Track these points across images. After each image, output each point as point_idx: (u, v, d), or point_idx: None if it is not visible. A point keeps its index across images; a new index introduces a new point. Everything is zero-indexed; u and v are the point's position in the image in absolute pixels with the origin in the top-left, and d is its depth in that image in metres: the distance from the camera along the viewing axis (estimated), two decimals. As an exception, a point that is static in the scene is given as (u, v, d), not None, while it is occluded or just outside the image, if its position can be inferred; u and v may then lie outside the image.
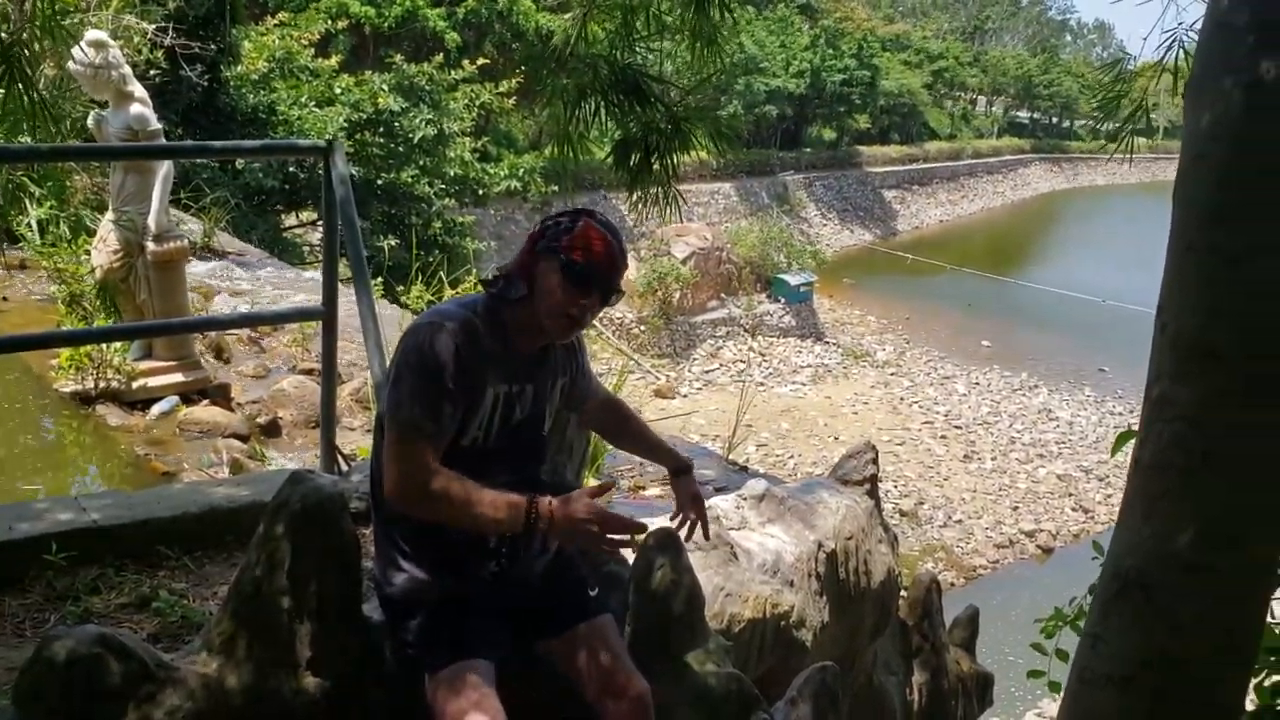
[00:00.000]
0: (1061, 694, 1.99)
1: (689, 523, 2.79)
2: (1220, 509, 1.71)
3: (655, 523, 2.93)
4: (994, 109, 67.58)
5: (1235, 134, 1.71)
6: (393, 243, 13.18)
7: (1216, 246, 1.71)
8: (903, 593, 5.22)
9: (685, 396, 23.88)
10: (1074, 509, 20.12)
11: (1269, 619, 2.41)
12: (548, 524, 2.23)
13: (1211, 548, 1.69)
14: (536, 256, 2.35)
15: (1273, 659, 2.43)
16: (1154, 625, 1.70)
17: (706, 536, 2.84)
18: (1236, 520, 1.71)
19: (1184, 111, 1.80)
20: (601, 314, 2.53)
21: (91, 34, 5.35)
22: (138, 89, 5.37)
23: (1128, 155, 3.98)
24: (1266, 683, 2.47)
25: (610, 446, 5.61)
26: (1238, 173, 1.71)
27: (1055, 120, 72.00)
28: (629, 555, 2.73)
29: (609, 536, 2.23)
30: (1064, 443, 23.29)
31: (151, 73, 9.98)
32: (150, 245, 5.45)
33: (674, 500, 2.80)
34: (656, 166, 4.20)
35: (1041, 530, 19.26)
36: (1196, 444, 1.70)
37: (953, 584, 16.55)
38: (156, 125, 5.41)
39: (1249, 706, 2.48)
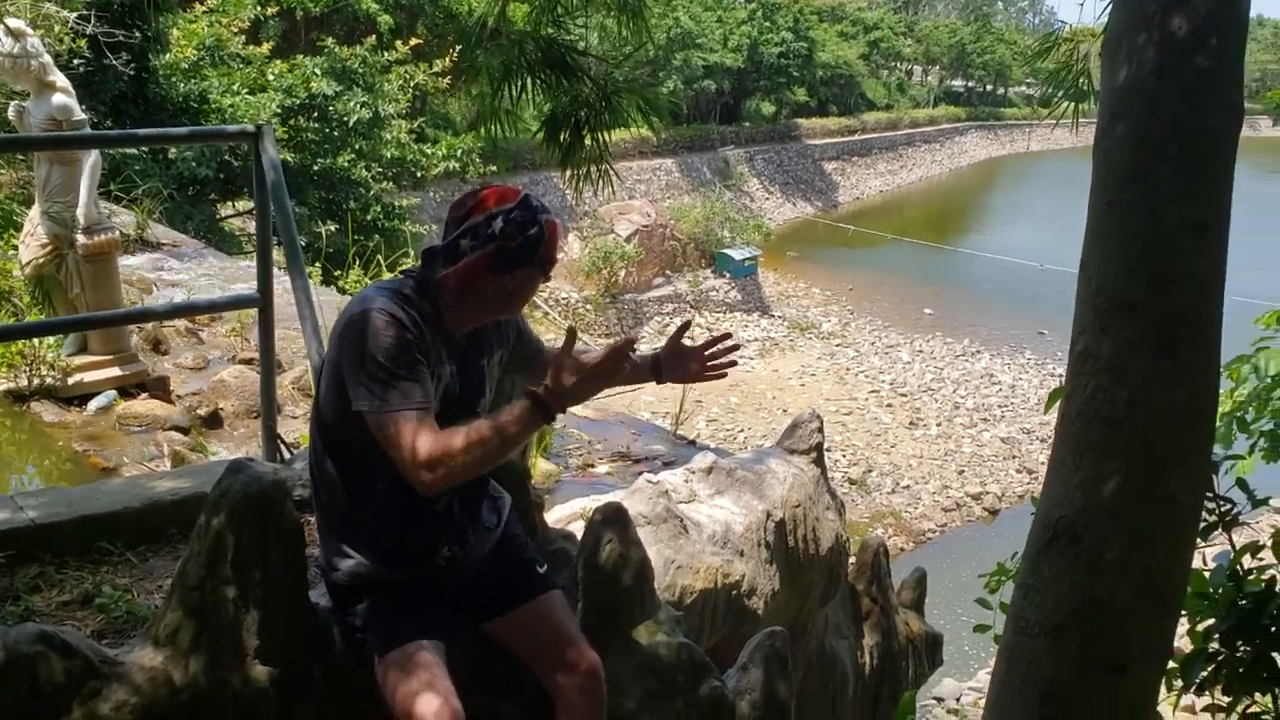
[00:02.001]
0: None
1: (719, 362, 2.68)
2: (1141, 456, 1.75)
3: (605, 498, 2.93)
4: (929, 78, 68.12)
5: (1149, 91, 1.74)
6: (331, 228, 13.00)
7: (1134, 202, 1.74)
8: (852, 559, 5.30)
9: (633, 374, 23.87)
10: (1018, 470, 20.50)
11: (1200, 566, 2.47)
12: (562, 405, 2.23)
13: (1132, 494, 1.73)
14: (507, 268, 2.27)
15: (1205, 604, 2.49)
16: (1081, 572, 1.75)
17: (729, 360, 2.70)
18: (1156, 466, 1.76)
19: (1101, 69, 1.83)
20: (546, 294, 2.50)
21: (9, 22, 5.22)
22: (60, 78, 5.25)
23: (1069, 121, 4.04)
24: (1199, 627, 2.54)
25: (557, 425, 5.63)
26: (1152, 129, 1.74)
27: (989, 88, 72.71)
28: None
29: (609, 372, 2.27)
30: (1006, 406, 23.70)
31: (75, 62, 9.74)
32: (80, 238, 5.35)
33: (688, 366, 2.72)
34: (588, 141, 4.18)
35: (987, 493, 19.62)
36: (1119, 395, 1.74)
37: (902, 549, 16.80)
38: (81, 115, 5.30)
39: (1187, 648, 2.55)
